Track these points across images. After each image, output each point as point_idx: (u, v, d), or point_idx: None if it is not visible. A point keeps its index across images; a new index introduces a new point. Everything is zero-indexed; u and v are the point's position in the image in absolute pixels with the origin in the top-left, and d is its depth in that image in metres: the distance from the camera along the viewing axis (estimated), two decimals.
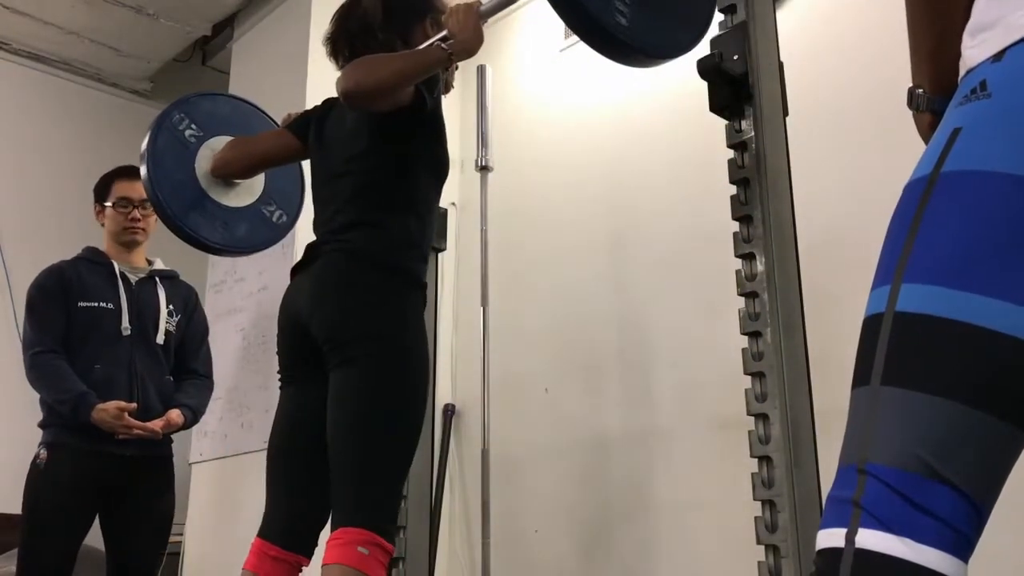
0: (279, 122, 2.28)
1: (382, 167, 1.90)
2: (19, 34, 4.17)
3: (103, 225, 2.77)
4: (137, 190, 2.71)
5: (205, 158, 2.19)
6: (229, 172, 2.18)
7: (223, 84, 4.08)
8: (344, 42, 2.02)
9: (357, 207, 1.88)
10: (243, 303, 3.41)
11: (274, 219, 2.31)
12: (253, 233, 2.26)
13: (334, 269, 1.84)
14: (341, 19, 2.05)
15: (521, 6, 3.79)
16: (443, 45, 1.78)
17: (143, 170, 2.14)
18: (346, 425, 1.72)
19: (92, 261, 2.70)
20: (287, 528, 1.80)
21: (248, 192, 2.26)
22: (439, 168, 1.99)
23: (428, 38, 1.94)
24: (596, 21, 1.43)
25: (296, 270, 1.93)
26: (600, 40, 1.50)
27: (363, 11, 2.00)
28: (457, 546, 3.40)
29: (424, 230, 1.94)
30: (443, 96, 1.99)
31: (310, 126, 2.08)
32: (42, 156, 4.24)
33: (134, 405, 2.50)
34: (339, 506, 1.70)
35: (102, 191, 2.78)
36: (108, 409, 2.46)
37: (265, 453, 1.91)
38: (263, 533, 1.81)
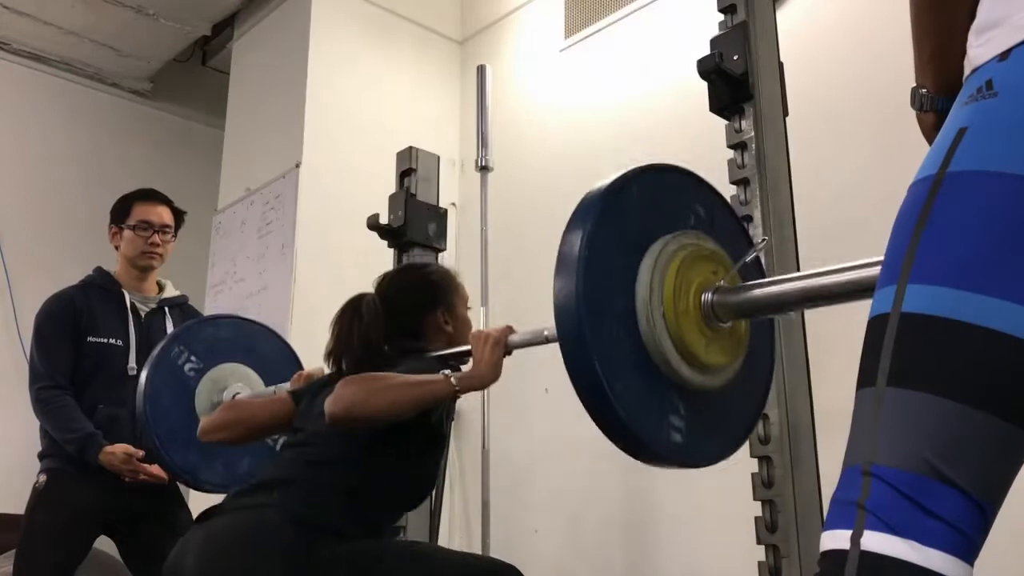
0: (292, 377, 2.11)
1: (352, 456, 1.68)
2: (19, 34, 4.17)
3: (117, 248, 2.70)
4: (158, 214, 2.68)
5: (206, 391, 2.13)
6: (222, 441, 1.96)
7: (223, 84, 4.08)
8: (348, 359, 1.81)
9: (297, 472, 1.67)
10: (243, 304, 3.41)
11: (279, 448, 2.16)
12: (255, 466, 2.14)
13: (225, 531, 1.59)
14: (341, 334, 1.83)
15: (521, 6, 3.80)
16: (453, 379, 1.61)
17: (139, 408, 2.09)
18: None
19: (103, 288, 2.64)
20: None
21: None
22: (420, 483, 1.79)
23: (442, 329, 1.83)
24: (649, 446, 1.22)
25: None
26: (652, 459, 1.27)
27: (365, 327, 1.80)
28: (457, 546, 3.40)
29: (375, 517, 1.70)
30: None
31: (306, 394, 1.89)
32: (42, 156, 4.24)
33: (142, 453, 2.43)
34: None
35: (120, 213, 2.70)
36: (116, 453, 2.40)
37: None
38: None
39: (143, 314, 2.65)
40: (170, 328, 2.66)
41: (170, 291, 2.76)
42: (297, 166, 3.38)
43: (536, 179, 3.51)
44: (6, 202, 4.06)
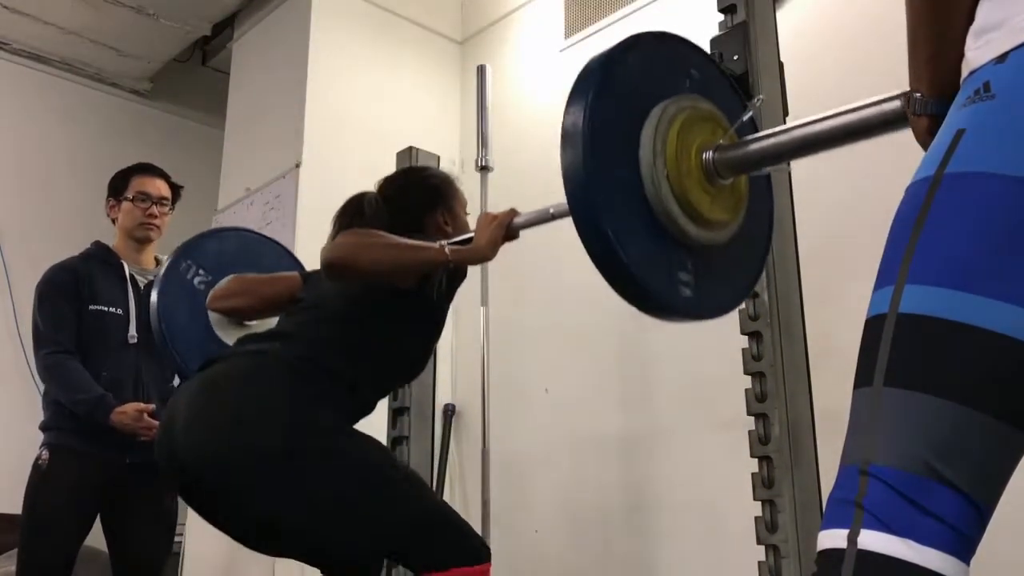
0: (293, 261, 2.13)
1: (352, 315, 1.73)
2: (19, 34, 4.17)
3: (114, 221, 2.75)
4: (156, 186, 2.74)
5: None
6: (231, 309, 2.05)
7: (223, 84, 4.08)
8: None
9: (297, 328, 1.72)
10: None
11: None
12: None
13: (222, 374, 1.62)
14: (342, 227, 1.86)
15: (521, 6, 3.80)
16: (447, 249, 1.63)
17: (156, 327, 2.08)
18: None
19: (103, 260, 2.67)
20: None
21: (262, 326, 2.13)
22: (416, 355, 1.83)
23: (442, 229, 1.84)
24: (661, 301, 1.29)
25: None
26: (664, 313, 1.35)
27: (366, 221, 1.81)
28: None
29: (367, 382, 1.73)
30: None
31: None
32: (42, 156, 4.25)
33: (152, 406, 2.48)
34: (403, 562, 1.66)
35: (118, 186, 2.75)
36: (128, 411, 2.43)
37: None
38: None
39: (142, 285, 2.68)
40: None
41: None
42: (297, 166, 3.39)
43: (536, 179, 3.50)
44: (6, 202, 4.06)
